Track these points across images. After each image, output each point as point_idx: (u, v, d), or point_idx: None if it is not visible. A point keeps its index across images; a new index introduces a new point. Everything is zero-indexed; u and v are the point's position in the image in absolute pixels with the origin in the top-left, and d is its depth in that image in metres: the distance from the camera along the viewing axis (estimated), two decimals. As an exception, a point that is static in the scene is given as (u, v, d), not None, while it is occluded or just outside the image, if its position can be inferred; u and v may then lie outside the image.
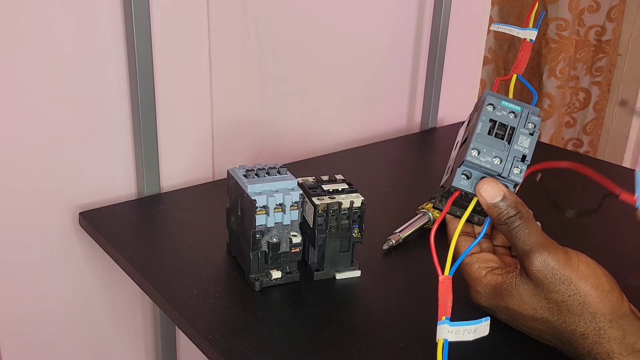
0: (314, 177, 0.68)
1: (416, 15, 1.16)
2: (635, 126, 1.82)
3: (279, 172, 0.64)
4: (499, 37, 1.64)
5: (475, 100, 1.37)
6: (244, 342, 0.55)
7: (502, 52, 1.66)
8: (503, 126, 0.52)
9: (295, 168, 0.72)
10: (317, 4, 1.01)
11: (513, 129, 0.52)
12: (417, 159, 1.12)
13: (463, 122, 0.59)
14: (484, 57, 1.40)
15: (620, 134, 1.84)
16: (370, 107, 1.16)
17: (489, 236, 0.59)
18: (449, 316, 0.46)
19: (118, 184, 0.87)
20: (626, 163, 1.85)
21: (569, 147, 1.88)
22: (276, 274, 0.63)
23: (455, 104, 1.30)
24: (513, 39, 1.62)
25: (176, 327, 0.82)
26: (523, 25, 0.59)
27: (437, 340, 0.45)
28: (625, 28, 1.82)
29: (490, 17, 1.50)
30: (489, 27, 1.33)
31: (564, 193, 0.93)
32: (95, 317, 0.91)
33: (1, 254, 0.80)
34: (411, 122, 1.24)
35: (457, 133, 0.58)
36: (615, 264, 0.51)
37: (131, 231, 0.75)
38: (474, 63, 1.34)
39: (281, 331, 0.57)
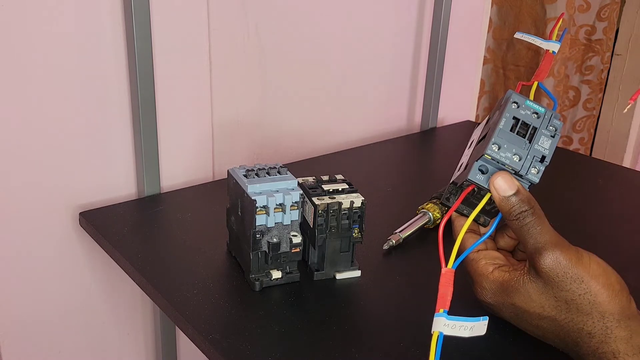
0: (314, 177, 0.68)
1: (416, 16, 1.16)
2: (635, 126, 1.83)
3: (279, 172, 0.64)
4: (498, 37, 1.65)
5: (475, 101, 1.37)
6: (244, 342, 0.55)
7: (500, 52, 1.66)
8: (525, 125, 0.52)
9: (295, 168, 0.72)
10: (317, 4, 1.01)
11: (535, 129, 0.52)
12: (417, 159, 1.12)
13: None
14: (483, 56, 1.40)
15: (620, 134, 1.85)
16: (370, 107, 1.16)
17: (493, 238, 0.59)
18: (447, 309, 0.46)
19: (118, 184, 0.87)
20: (626, 163, 1.85)
21: (559, 145, 1.88)
22: (276, 274, 0.63)
23: (455, 104, 1.30)
24: (512, 39, 1.63)
25: (176, 327, 0.82)
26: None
27: (432, 332, 0.45)
28: (625, 28, 1.82)
29: (490, 18, 1.50)
30: (489, 27, 1.33)
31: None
32: (95, 317, 0.91)
33: (1, 254, 0.80)
34: (411, 122, 1.24)
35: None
36: (614, 264, 0.51)
37: (131, 231, 0.75)
38: (474, 63, 1.34)
39: (281, 331, 0.57)
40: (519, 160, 0.51)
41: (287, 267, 0.64)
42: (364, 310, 0.62)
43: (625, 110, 0.62)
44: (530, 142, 0.52)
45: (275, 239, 0.61)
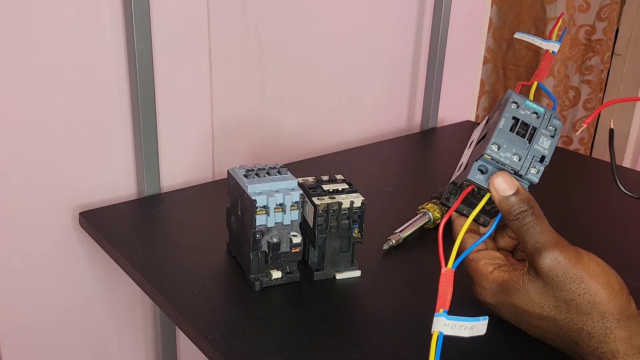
0: (314, 177, 0.68)
1: (416, 16, 1.16)
2: (635, 126, 1.82)
3: (279, 172, 0.64)
4: (498, 37, 1.64)
5: (475, 101, 1.37)
6: (244, 342, 0.55)
7: (500, 52, 1.66)
8: (525, 125, 0.52)
9: (295, 168, 0.72)
10: (317, 4, 1.01)
11: (535, 129, 0.52)
12: (417, 159, 1.12)
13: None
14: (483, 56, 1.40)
15: (620, 134, 1.85)
16: (370, 107, 1.16)
17: (493, 238, 0.59)
18: (447, 309, 0.46)
19: (118, 184, 0.87)
20: (626, 163, 1.85)
21: (559, 145, 1.88)
22: (276, 274, 0.63)
23: (455, 104, 1.30)
24: (512, 39, 1.63)
25: (176, 327, 0.82)
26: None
27: (432, 332, 0.46)
28: (625, 28, 1.82)
29: (490, 18, 1.50)
30: (489, 27, 1.33)
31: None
32: (95, 317, 0.91)
33: (1, 254, 0.80)
34: (411, 122, 1.24)
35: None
36: (614, 264, 0.51)
37: (131, 231, 0.75)
38: (474, 63, 1.34)
39: (281, 331, 0.57)
40: (519, 160, 0.51)
41: (287, 267, 0.64)
42: (364, 310, 0.62)
43: (579, 132, 0.64)
44: (530, 142, 0.52)
45: (275, 239, 0.61)
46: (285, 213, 0.61)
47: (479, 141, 0.55)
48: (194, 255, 0.70)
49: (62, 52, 0.77)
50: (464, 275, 0.55)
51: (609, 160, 0.59)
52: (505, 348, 0.56)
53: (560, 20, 0.62)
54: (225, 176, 0.68)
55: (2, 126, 0.76)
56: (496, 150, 0.51)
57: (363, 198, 0.64)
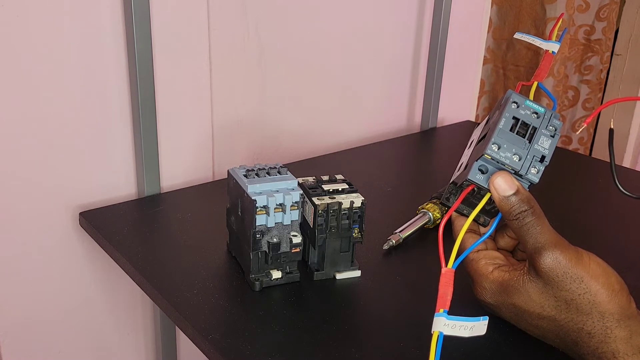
0: (314, 177, 0.68)
1: (416, 16, 1.16)
2: (635, 126, 1.82)
3: (279, 172, 0.64)
4: (498, 37, 1.65)
5: (475, 101, 1.37)
6: (244, 342, 0.55)
7: (500, 52, 1.66)
8: (525, 125, 0.52)
9: (295, 168, 0.72)
10: (317, 4, 1.01)
11: (535, 129, 0.52)
12: (417, 159, 1.12)
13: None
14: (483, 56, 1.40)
15: (620, 134, 1.85)
16: (370, 107, 1.16)
17: (493, 238, 0.59)
18: (447, 309, 0.46)
19: (118, 184, 0.87)
20: (626, 163, 1.85)
21: (558, 145, 1.88)
22: (276, 274, 0.63)
23: (455, 104, 1.30)
24: (512, 39, 1.63)
25: (176, 327, 0.82)
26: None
27: (432, 332, 0.46)
28: (625, 28, 1.82)
29: (490, 18, 1.50)
30: (489, 27, 1.33)
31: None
32: (95, 317, 0.91)
33: (1, 254, 0.80)
34: (411, 122, 1.24)
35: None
36: (614, 264, 0.51)
37: (131, 231, 0.75)
38: (474, 63, 1.34)
39: (281, 331, 0.57)
40: (519, 160, 0.51)
41: (287, 267, 0.64)
42: (364, 310, 0.62)
43: (579, 132, 0.64)
44: (530, 142, 0.52)
45: (275, 239, 0.61)
46: (285, 213, 0.61)
47: (479, 141, 0.55)
48: (194, 255, 0.70)
49: (62, 52, 0.77)
50: (464, 275, 0.55)
51: (608, 160, 0.59)
52: (505, 348, 0.56)
53: (560, 20, 0.62)
54: (225, 176, 0.68)
55: (2, 126, 0.76)
56: (496, 150, 0.51)
57: (363, 198, 0.64)
